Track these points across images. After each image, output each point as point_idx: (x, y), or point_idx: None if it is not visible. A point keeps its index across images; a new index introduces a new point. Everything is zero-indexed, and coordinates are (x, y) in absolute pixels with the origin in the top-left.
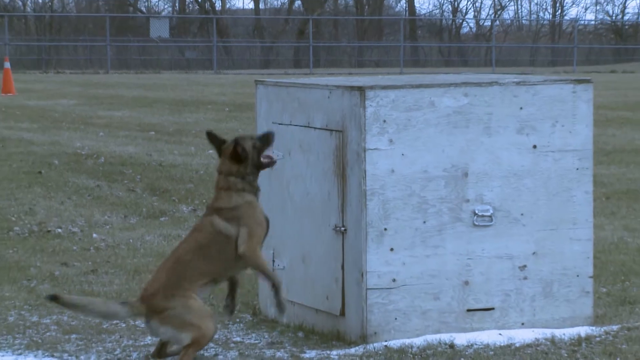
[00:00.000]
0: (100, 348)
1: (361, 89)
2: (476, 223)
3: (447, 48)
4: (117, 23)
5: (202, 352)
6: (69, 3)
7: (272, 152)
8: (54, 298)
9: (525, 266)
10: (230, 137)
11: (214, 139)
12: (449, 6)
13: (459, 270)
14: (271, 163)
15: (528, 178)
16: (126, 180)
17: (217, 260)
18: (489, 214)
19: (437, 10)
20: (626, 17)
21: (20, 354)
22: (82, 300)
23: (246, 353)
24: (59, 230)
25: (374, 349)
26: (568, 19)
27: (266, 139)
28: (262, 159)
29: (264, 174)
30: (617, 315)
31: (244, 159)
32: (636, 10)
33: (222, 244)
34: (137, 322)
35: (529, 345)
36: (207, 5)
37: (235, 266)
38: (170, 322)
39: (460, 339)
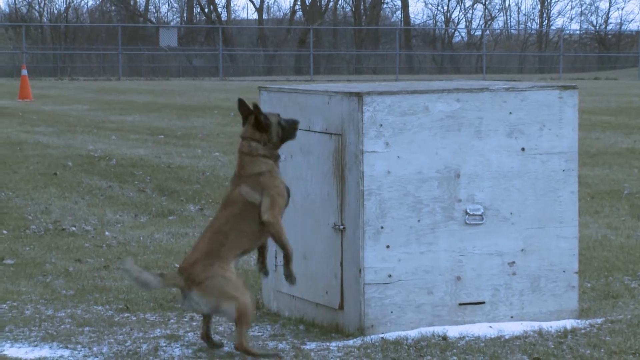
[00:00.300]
0: (112, 340)
1: (359, 95)
2: (468, 222)
3: (440, 56)
4: (129, 33)
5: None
6: (83, 13)
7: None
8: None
9: (514, 262)
10: (235, 141)
11: (243, 107)
12: (442, 17)
13: (451, 266)
14: (294, 130)
15: (517, 179)
16: (136, 181)
17: (249, 229)
18: (479, 213)
19: (431, 21)
20: (609, 27)
21: (36, 346)
22: (133, 270)
23: (250, 344)
24: (73, 228)
25: (371, 341)
26: (554, 28)
27: (292, 123)
28: (285, 127)
29: None
30: (601, 308)
31: (266, 127)
32: (618, 21)
33: (251, 212)
34: (146, 315)
35: (517, 337)
36: (213, 15)
37: (261, 235)
38: (212, 292)
39: (453, 331)
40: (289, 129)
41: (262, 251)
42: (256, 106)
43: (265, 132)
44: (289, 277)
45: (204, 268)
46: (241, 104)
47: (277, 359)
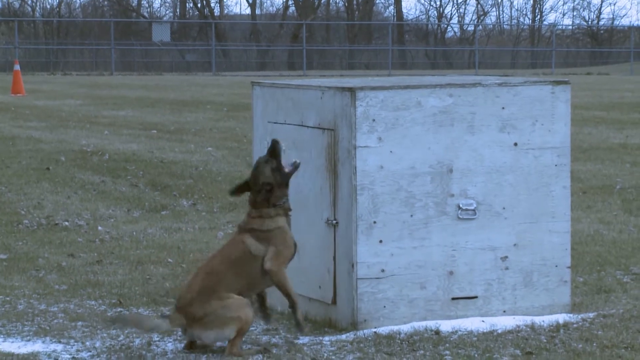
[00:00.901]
0: (104, 335)
1: (352, 90)
2: (460, 216)
3: (432, 51)
4: (121, 27)
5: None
6: (76, 8)
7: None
8: (113, 320)
9: (506, 257)
10: (228, 135)
11: (240, 189)
12: (435, 12)
13: (444, 261)
14: (295, 168)
15: (509, 174)
16: (129, 176)
17: (246, 275)
18: (472, 207)
19: (423, 16)
20: (601, 23)
21: (29, 340)
22: (132, 318)
23: (244, 339)
24: (66, 223)
25: (364, 335)
26: (547, 24)
27: (276, 152)
28: (285, 170)
29: None
30: (593, 303)
31: (271, 188)
32: (610, 16)
33: (251, 262)
34: (139, 310)
35: (510, 332)
36: (206, 10)
37: (261, 283)
38: (212, 325)
39: (446, 325)
40: (290, 170)
41: (262, 300)
42: (251, 183)
43: (272, 193)
44: (299, 325)
45: (201, 305)
46: (235, 192)
47: (265, 351)
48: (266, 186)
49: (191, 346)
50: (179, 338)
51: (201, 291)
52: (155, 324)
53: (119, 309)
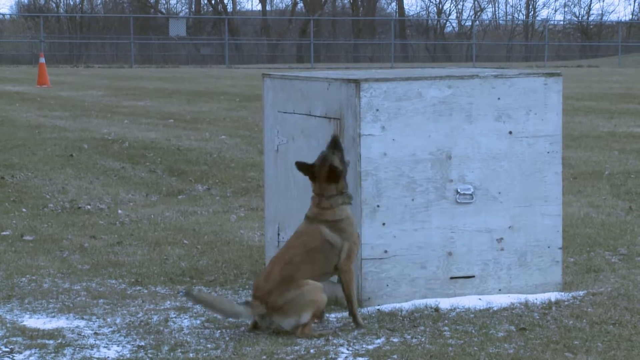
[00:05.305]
0: (124, 312)
1: (357, 82)
2: (459, 200)
3: (432, 45)
4: (140, 23)
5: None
6: (97, 5)
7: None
8: (186, 294)
9: (502, 239)
10: (240, 124)
11: (304, 167)
12: (434, 8)
13: (443, 243)
14: (348, 162)
15: (505, 160)
16: (148, 163)
17: (320, 264)
18: (470, 192)
19: (424, 12)
20: (591, 18)
21: (53, 317)
22: (211, 299)
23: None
24: (88, 207)
25: (368, 312)
26: (540, 19)
27: (339, 145)
28: (347, 160)
29: (270, 158)
30: (583, 282)
31: (340, 175)
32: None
33: (327, 251)
34: (157, 289)
35: (505, 309)
36: (219, 7)
37: (329, 274)
38: (292, 312)
39: (445, 303)
40: (342, 152)
41: None
42: (329, 162)
43: (340, 179)
44: (359, 326)
45: (281, 295)
46: (299, 165)
47: (334, 335)
48: (338, 173)
49: (255, 326)
50: (194, 315)
51: (281, 281)
52: (237, 310)
53: (137, 288)
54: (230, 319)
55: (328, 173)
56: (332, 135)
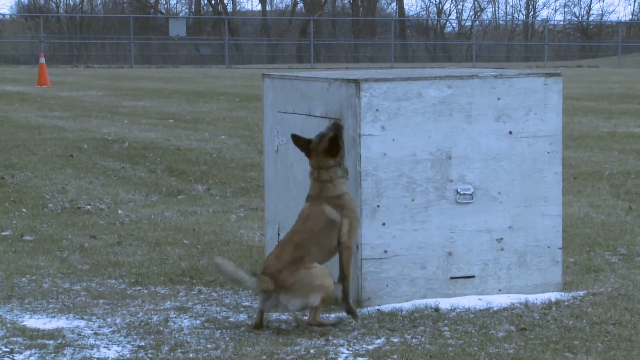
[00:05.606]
0: (124, 312)
1: (356, 82)
2: (458, 200)
3: (432, 45)
4: (140, 23)
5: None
6: (97, 5)
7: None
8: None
9: (502, 239)
10: (240, 124)
11: (300, 140)
12: (434, 8)
13: (443, 243)
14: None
15: (504, 160)
16: (148, 163)
17: (326, 245)
18: (469, 192)
19: (424, 12)
20: (591, 18)
21: (53, 317)
22: (228, 266)
23: (254, 316)
24: (88, 207)
25: (368, 312)
26: (540, 19)
27: (339, 126)
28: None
29: (270, 158)
30: (583, 282)
31: (341, 148)
32: (600, 12)
33: (331, 230)
34: (157, 289)
35: (505, 309)
36: (219, 7)
37: (333, 251)
38: (300, 293)
39: (445, 303)
40: (342, 133)
41: None
42: (334, 136)
43: (340, 152)
44: (351, 312)
45: (290, 273)
46: (295, 138)
47: (341, 324)
48: (338, 145)
49: (260, 324)
50: (194, 315)
51: (291, 261)
52: (243, 278)
53: (137, 288)
54: (231, 319)
55: (329, 144)
56: (334, 121)
